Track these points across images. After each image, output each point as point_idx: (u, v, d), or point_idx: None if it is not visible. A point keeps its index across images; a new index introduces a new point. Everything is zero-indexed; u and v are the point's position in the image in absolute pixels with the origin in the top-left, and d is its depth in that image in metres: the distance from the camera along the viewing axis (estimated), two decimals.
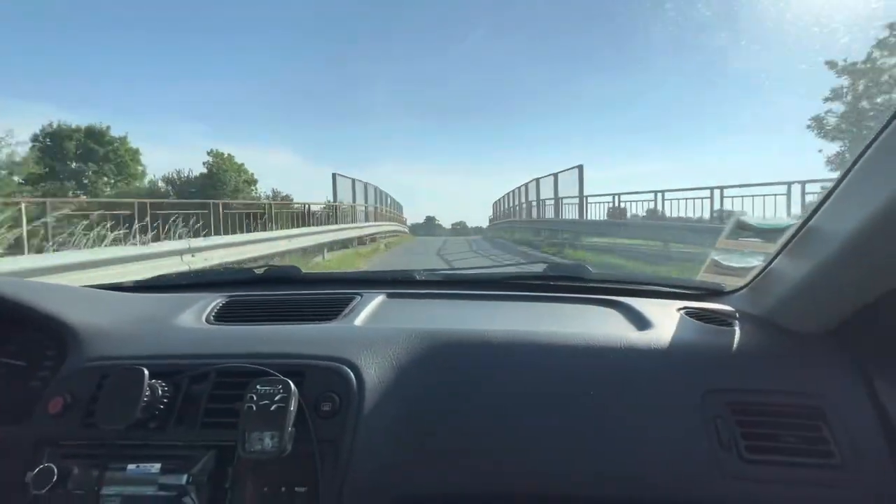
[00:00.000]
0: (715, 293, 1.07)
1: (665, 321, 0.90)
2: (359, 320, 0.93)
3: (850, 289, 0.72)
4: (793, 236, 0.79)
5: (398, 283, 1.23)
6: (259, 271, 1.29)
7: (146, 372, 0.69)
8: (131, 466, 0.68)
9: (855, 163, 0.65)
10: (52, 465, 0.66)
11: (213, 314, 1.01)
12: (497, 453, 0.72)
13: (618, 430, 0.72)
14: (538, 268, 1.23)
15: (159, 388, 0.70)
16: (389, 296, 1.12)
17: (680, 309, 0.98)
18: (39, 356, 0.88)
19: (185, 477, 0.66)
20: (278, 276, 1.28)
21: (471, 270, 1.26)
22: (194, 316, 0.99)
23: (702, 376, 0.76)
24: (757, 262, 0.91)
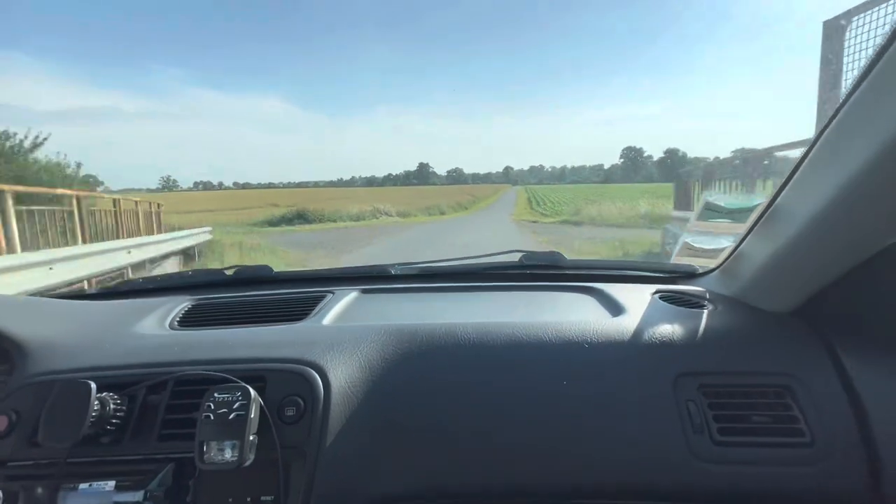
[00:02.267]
0: (689, 275, 1.07)
1: (638, 306, 0.89)
2: (327, 319, 0.90)
3: (816, 267, 0.72)
4: (760, 216, 0.79)
5: (373, 278, 1.20)
6: (229, 272, 1.25)
7: (93, 385, 0.65)
8: (83, 485, 0.64)
9: (816, 141, 0.64)
10: None
11: (178, 319, 0.97)
12: (470, 451, 0.71)
13: (592, 418, 0.71)
14: (514, 257, 1.21)
15: (111, 402, 0.66)
16: (363, 292, 1.10)
17: (654, 293, 0.97)
18: None
19: (141, 493, 0.63)
20: (249, 276, 1.23)
21: (447, 263, 1.23)
22: (157, 321, 0.95)
23: (674, 360, 0.75)
24: (728, 243, 0.91)
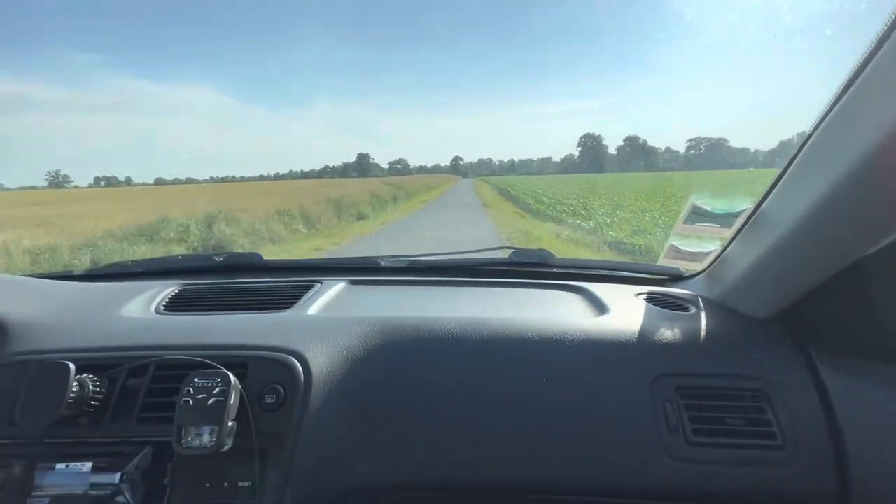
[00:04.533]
0: (675, 278, 1.08)
1: (622, 306, 0.90)
2: (313, 309, 0.90)
3: (797, 274, 0.73)
4: (745, 222, 0.79)
5: (362, 270, 1.20)
6: (219, 258, 1.24)
7: (72, 367, 0.65)
8: (60, 465, 0.64)
9: (801, 148, 0.64)
10: None
11: (164, 303, 0.97)
12: (447, 442, 0.71)
13: (569, 415, 0.72)
14: (503, 254, 1.22)
15: (90, 383, 0.66)
16: (351, 283, 1.10)
17: (639, 294, 0.98)
18: None
19: (117, 475, 0.63)
20: (238, 263, 1.23)
21: (436, 256, 1.23)
22: (142, 305, 0.94)
23: (653, 361, 0.76)
24: (714, 246, 0.92)
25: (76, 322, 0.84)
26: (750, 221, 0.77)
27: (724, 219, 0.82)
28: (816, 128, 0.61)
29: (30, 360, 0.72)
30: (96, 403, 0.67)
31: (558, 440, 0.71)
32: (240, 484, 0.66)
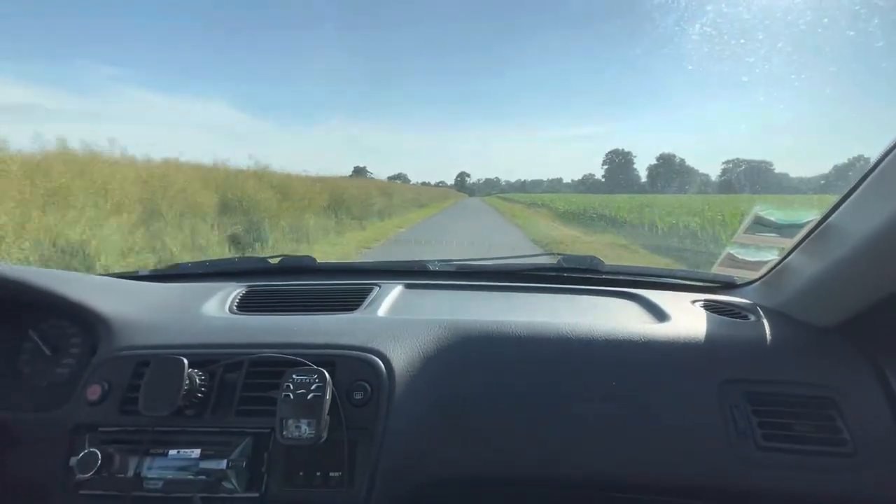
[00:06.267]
0: (727, 286, 1.09)
1: (681, 313, 0.92)
2: (381, 311, 0.95)
3: (865, 285, 0.74)
4: (810, 232, 0.81)
5: (413, 273, 1.25)
6: (274, 261, 1.30)
7: (186, 361, 0.70)
8: (172, 452, 0.70)
9: (879, 162, 0.66)
10: (95, 450, 0.68)
11: (236, 304, 1.03)
12: (522, 440, 0.75)
13: (638, 417, 0.75)
14: (552, 259, 1.24)
15: (197, 378, 0.72)
16: (407, 286, 1.14)
17: (694, 301, 1.00)
18: (64, 343, 0.89)
19: (224, 462, 0.69)
20: (294, 266, 1.28)
21: (485, 261, 1.27)
22: (217, 305, 1.00)
23: (719, 367, 0.78)
24: (772, 256, 0.94)
25: (167, 320, 0.90)
26: (817, 231, 0.79)
27: (787, 229, 0.84)
28: None
29: (146, 355, 0.78)
30: (201, 396, 0.72)
31: (627, 440, 0.74)
32: (331, 474, 0.70)
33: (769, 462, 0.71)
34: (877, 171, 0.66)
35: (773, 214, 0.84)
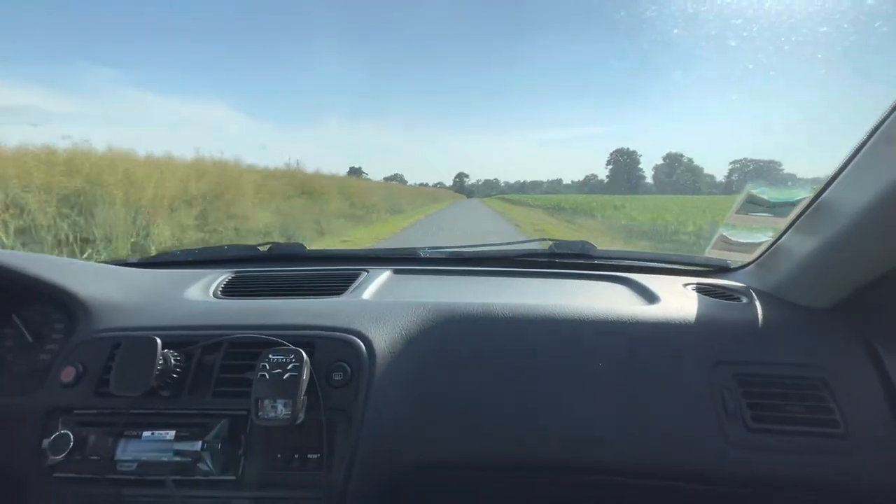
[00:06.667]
0: (720, 269, 1.07)
1: (672, 296, 0.90)
2: (367, 294, 0.93)
3: (860, 264, 0.72)
4: (803, 211, 0.79)
5: (403, 260, 1.23)
6: (263, 248, 1.29)
7: (159, 341, 0.69)
8: (146, 433, 0.69)
9: (869, 136, 0.64)
10: (67, 431, 0.67)
11: (220, 289, 1.01)
12: (507, 422, 0.73)
13: (627, 399, 0.73)
14: (543, 245, 1.23)
15: (172, 358, 0.71)
16: (395, 272, 1.12)
17: (686, 284, 0.98)
18: (48, 329, 0.88)
19: (199, 444, 0.67)
20: (282, 253, 1.27)
21: (475, 248, 1.25)
22: (201, 290, 0.99)
23: (710, 349, 0.77)
24: (765, 237, 0.91)
25: (147, 304, 0.89)
26: (809, 210, 0.77)
27: (779, 208, 0.82)
28: (887, 116, 0.60)
29: (118, 336, 0.76)
30: (176, 377, 0.71)
31: (615, 422, 0.72)
32: (309, 456, 0.69)
33: (759, 444, 0.69)
34: (868, 145, 0.64)
35: (766, 193, 0.82)
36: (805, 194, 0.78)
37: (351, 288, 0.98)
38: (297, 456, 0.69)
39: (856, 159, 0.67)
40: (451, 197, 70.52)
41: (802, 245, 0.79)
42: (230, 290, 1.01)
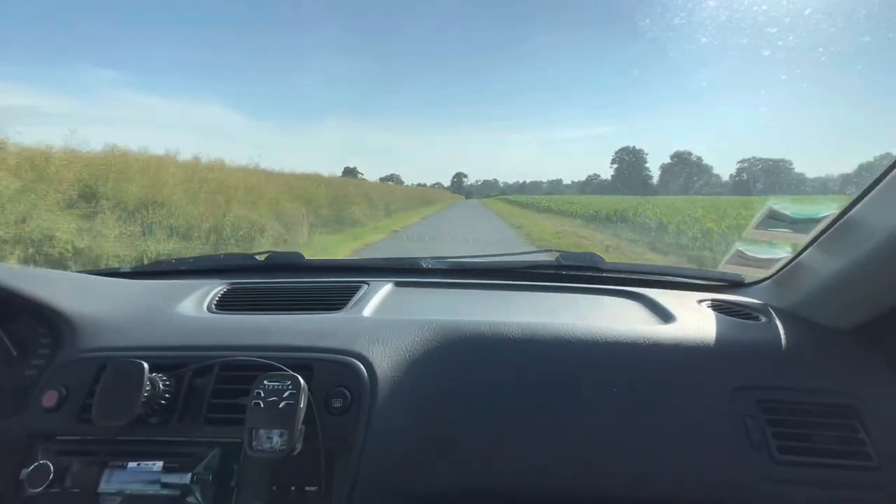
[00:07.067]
0: (735, 285, 1.03)
1: (687, 314, 0.86)
2: (367, 310, 0.89)
3: (888, 285, 0.68)
4: (828, 227, 0.75)
5: (404, 270, 1.19)
6: (260, 258, 1.25)
7: (146, 366, 0.65)
8: (132, 464, 0.64)
9: None
10: (47, 461, 0.63)
11: (215, 302, 0.97)
12: (515, 452, 0.69)
13: (642, 428, 0.69)
14: (549, 257, 1.19)
15: (160, 383, 0.66)
16: (397, 284, 1.08)
17: (700, 301, 0.94)
18: (34, 344, 0.84)
19: (188, 476, 0.63)
20: (281, 262, 1.23)
21: (479, 259, 1.21)
22: (195, 304, 0.95)
23: (730, 373, 0.73)
24: (784, 253, 0.88)
25: (136, 320, 0.84)
26: (835, 227, 0.73)
27: (801, 224, 0.78)
28: None
29: (102, 357, 0.72)
30: (165, 403, 0.67)
31: (628, 453, 0.68)
32: (306, 488, 0.65)
33: (786, 476, 0.65)
34: None
35: (788, 208, 0.78)
36: (829, 211, 0.75)
37: (351, 302, 0.94)
38: (293, 488, 0.65)
39: (885, 180, 0.64)
40: (449, 198, 67.17)
41: (827, 262, 0.76)
42: (225, 304, 0.97)
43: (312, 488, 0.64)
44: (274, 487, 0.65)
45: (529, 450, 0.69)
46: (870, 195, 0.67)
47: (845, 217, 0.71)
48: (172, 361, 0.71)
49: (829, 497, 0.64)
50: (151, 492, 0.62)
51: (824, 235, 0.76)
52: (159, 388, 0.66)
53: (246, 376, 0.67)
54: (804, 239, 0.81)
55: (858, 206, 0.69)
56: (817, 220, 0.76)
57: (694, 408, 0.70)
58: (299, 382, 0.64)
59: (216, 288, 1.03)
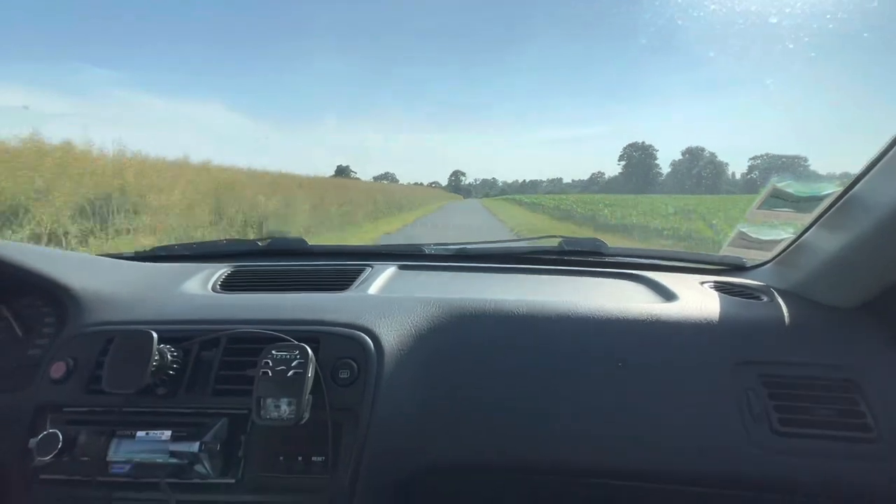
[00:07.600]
0: (737, 268, 1.04)
1: (691, 293, 0.87)
2: (373, 289, 0.90)
3: (891, 263, 0.69)
4: (829, 207, 0.76)
5: (407, 256, 1.19)
6: (263, 243, 1.25)
7: (155, 335, 0.65)
8: (140, 433, 0.64)
9: None
10: (56, 431, 0.63)
11: (220, 283, 0.97)
12: (519, 423, 0.70)
13: (647, 401, 0.70)
14: (553, 242, 1.19)
15: (168, 354, 0.67)
16: (400, 268, 1.09)
17: (703, 283, 0.95)
18: (38, 323, 0.84)
19: (196, 444, 0.63)
20: (283, 247, 1.23)
21: (482, 245, 1.21)
22: (200, 284, 0.95)
23: (732, 348, 0.73)
24: (786, 234, 0.88)
25: (142, 297, 0.85)
26: (837, 206, 0.74)
27: (804, 203, 0.79)
28: None
29: (110, 331, 0.72)
30: (173, 374, 0.67)
31: (633, 425, 0.69)
32: (313, 458, 0.65)
33: (786, 448, 0.66)
34: None
35: (792, 186, 0.79)
36: (832, 189, 0.75)
37: (356, 283, 0.94)
38: (300, 458, 0.65)
39: (888, 155, 0.64)
40: (444, 197, 62.80)
41: (829, 242, 0.76)
42: (230, 285, 0.97)
43: (319, 458, 0.65)
44: (281, 458, 0.65)
45: (534, 422, 0.70)
46: (872, 171, 0.68)
47: (848, 195, 0.72)
48: (180, 334, 0.71)
49: (828, 467, 0.65)
50: (160, 460, 0.63)
51: (827, 214, 0.77)
52: (167, 358, 0.66)
53: (253, 349, 0.68)
54: (807, 218, 0.81)
55: (861, 182, 0.70)
56: (820, 198, 0.77)
57: (696, 381, 0.71)
58: (307, 352, 0.65)
59: (220, 270, 1.03)
